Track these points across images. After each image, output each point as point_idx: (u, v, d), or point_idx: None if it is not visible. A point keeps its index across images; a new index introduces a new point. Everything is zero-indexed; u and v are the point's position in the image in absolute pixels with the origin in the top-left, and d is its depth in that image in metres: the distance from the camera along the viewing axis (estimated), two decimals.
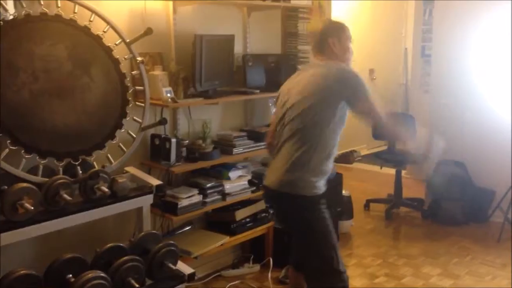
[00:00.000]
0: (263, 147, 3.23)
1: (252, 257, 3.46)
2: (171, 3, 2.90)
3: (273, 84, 3.51)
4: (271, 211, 3.33)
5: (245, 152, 3.17)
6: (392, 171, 4.79)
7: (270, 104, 3.58)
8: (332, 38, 2.29)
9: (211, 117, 3.21)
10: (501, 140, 4.19)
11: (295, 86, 2.28)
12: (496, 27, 4.20)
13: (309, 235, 2.23)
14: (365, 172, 6.10)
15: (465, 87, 4.43)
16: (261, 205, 3.30)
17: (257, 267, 3.39)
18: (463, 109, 4.45)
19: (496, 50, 4.22)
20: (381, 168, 5.35)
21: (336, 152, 2.29)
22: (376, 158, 5.33)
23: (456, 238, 3.99)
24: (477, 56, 4.35)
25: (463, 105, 4.44)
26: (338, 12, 5.76)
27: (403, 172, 4.92)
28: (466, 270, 3.44)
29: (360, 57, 6.49)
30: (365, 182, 5.62)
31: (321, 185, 2.23)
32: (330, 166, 2.26)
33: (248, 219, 3.23)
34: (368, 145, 6.80)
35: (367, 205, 4.78)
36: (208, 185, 2.97)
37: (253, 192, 3.20)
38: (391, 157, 4.88)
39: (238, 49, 3.34)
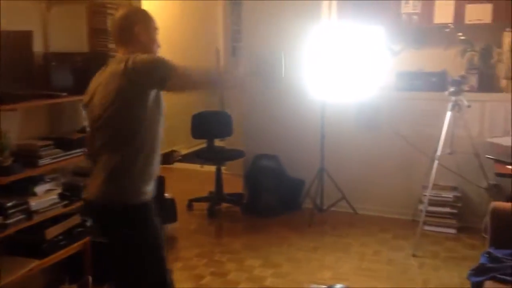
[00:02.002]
0: (75, 155, 2.97)
1: (69, 277, 3.14)
2: None
3: (82, 85, 3.22)
4: (89, 224, 3.07)
5: (53, 163, 2.85)
6: (213, 168, 4.87)
7: (81, 108, 3.29)
8: (139, 25, 2.07)
9: (8, 125, 2.80)
10: (310, 133, 4.56)
11: (98, 85, 2.04)
12: (297, 25, 4.53)
13: (139, 250, 2.05)
14: (186, 172, 6.11)
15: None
16: (76, 220, 3.02)
17: None
18: (275, 105, 4.72)
19: (301, 47, 4.53)
20: (201, 166, 5.40)
21: (159, 150, 2.11)
22: (196, 156, 5.36)
23: (274, 228, 4.23)
24: (285, 54, 4.64)
25: (274, 101, 4.71)
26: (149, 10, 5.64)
27: (223, 169, 5.05)
28: (285, 257, 3.66)
29: (174, 57, 6.51)
30: (187, 182, 5.62)
31: (149, 190, 2.07)
32: (156, 167, 2.11)
33: (61, 237, 2.92)
34: (187, 144, 6.83)
35: (190, 205, 4.77)
36: (9, 204, 2.58)
37: (65, 206, 2.90)
38: (210, 154, 4.96)
39: (38, 47, 2.98)
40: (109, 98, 1.96)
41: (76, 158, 2.99)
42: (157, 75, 1.93)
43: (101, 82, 2.04)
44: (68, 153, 2.94)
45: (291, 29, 4.52)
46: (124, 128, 1.99)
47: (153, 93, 1.98)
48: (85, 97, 2.16)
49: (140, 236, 2.05)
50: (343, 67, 4.05)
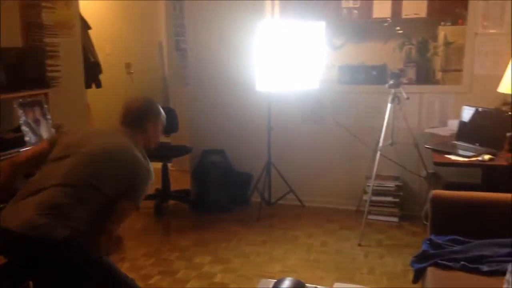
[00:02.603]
0: (8, 156, 2.81)
1: None
2: None
3: (17, 82, 3.08)
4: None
5: None
6: (159, 165, 4.77)
7: (15, 106, 3.12)
8: (153, 121, 2.27)
9: None
10: (256, 127, 4.56)
11: (90, 138, 2.13)
12: (241, 20, 4.51)
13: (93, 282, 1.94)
14: None
15: (221, 79, 4.67)
16: None
17: None
18: (221, 100, 4.69)
19: (245, 41, 4.51)
20: None
21: None
22: None
23: (222, 224, 4.21)
24: (228, 48, 4.61)
25: (220, 96, 4.68)
26: (89, 4, 5.43)
27: (169, 165, 4.96)
28: (234, 253, 3.65)
29: (116, 51, 6.34)
30: None
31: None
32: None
33: None
34: None
35: None
36: None
37: None
38: (156, 151, 4.85)
39: None
40: (95, 169, 2.02)
41: (9, 159, 2.83)
42: (132, 190, 2.05)
43: (96, 143, 2.11)
44: (2, 153, 2.78)
45: (235, 24, 4.49)
46: (90, 192, 1.99)
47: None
48: (63, 134, 2.25)
49: (86, 269, 1.92)
50: (287, 62, 4.08)
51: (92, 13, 5.50)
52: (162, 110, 2.36)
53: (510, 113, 3.45)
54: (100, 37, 5.59)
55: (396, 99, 3.85)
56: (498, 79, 3.16)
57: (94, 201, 1.98)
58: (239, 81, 4.48)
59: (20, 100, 3.07)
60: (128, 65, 6.49)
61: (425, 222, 3.86)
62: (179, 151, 4.93)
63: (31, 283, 2.86)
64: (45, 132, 3.18)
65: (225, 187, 4.60)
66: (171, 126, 4.86)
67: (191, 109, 4.86)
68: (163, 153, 4.87)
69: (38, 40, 3.45)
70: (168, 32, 5.84)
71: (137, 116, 2.25)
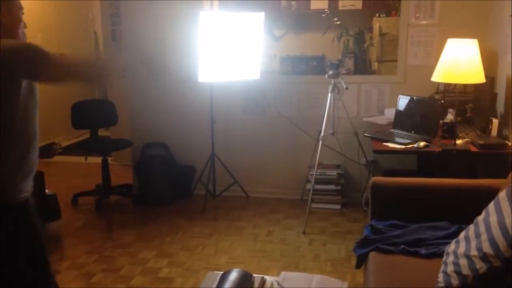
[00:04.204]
0: None
1: None
2: None
3: None
4: None
5: None
6: (98, 159, 4.62)
7: None
8: None
9: None
10: (199, 119, 4.51)
11: None
12: (179, 11, 4.42)
13: (19, 256, 1.85)
14: (69, 165, 5.74)
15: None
16: None
17: None
18: (161, 92, 4.59)
19: (184, 32, 4.43)
20: (86, 158, 5.10)
21: (37, 144, 1.92)
22: (80, 148, 5.06)
23: (166, 217, 4.15)
24: (168, 39, 4.50)
25: (160, 88, 4.58)
26: None
27: (110, 159, 4.82)
28: (180, 246, 3.60)
29: (49, 45, 6.04)
30: (70, 176, 5.28)
31: (27, 188, 1.88)
32: (34, 162, 1.91)
33: None
34: (68, 135, 6.42)
35: (75, 200, 4.49)
36: None
37: None
38: (95, 145, 4.70)
39: None
40: None
41: None
42: (29, 64, 1.71)
43: None
44: None
45: (174, 14, 4.40)
46: None
47: (25, 83, 1.77)
48: None
49: (20, 240, 1.86)
50: (228, 53, 4.05)
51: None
52: None
53: (442, 101, 3.62)
54: (32, 27, 5.30)
55: (336, 89, 3.93)
56: (431, 68, 3.29)
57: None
58: (179, 72, 4.40)
59: None
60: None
61: (365, 209, 3.99)
62: (119, 144, 4.79)
63: None
64: None
65: (168, 180, 4.52)
66: (110, 119, 4.73)
67: (131, 101, 4.73)
68: (102, 147, 4.73)
69: None
70: (104, 21, 5.64)
71: None
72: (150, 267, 3.31)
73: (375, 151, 3.37)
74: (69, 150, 6.24)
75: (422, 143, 3.22)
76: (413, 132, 3.51)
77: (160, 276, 3.18)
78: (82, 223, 4.09)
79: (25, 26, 1.93)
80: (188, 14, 4.12)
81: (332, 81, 3.92)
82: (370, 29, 5.34)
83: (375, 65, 5.22)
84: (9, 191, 1.82)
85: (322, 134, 3.94)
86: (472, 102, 3.65)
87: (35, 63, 1.72)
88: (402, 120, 3.66)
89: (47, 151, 5.88)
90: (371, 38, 5.25)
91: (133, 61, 2.19)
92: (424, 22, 4.09)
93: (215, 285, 2.14)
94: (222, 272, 2.24)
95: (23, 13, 1.91)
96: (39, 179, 3.62)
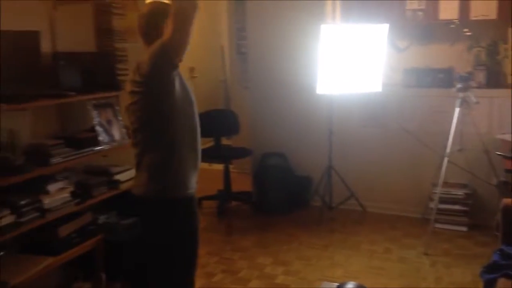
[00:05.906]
0: (85, 154, 2.98)
1: (83, 275, 3.15)
2: None
3: (90, 84, 3.24)
4: (101, 222, 3.08)
5: (64, 162, 2.84)
6: (220, 166, 4.86)
7: (89, 107, 3.28)
8: (162, 24, 2.03)
9: (19, 125, 2.80)
10: (317, 130, 4.55)
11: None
12: (302, 23, 4.51)
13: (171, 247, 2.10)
14: None
15: (281, 82, 4.70)
16: (88, 218, 3.02)
17: (88, 285, 3.09)
18: (281, 103, 4.71)
19: (306, 45, 4.51)
20: (209, 165, 5.39)
21: (199, 142, 2.16)
22: (204, 155, 5.34)
23: (283, 226, 4.23)
24: (288, 52, 4.62)
25: (281, 99, 4.70)
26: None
27: (231, 167, 5.04)
28: (296, 255, 3.65)
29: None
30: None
31: (193, 184, 2.14)
32: (198, 159, 2.16)
33: (74, 235, 2.92)
34: None
35: (199, 203, 4.76)
36: (22, 202, 2.58)
37: (77, 204, 2.90)
38: (218, 153, 4.96)
39: (45, 47, 2.98)
40: (134, 99, 1.99)
41: (86, 157, 3.00)
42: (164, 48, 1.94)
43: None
44: (78, 152, 2.94)
45: (296, 27, 4.51)
46: (154, 124, 2.00)
47: (177, 83, 2.00)
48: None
49: (182, 231, 2.10)
50: (349, 65, 4.04)
51: None
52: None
53: None
54: None
55: (465, 103, 3.72)
56: None
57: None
58: (299, 84, 4.49)
59: (94, 102, 3.23)
60: (191, 70, 6.65)
61: (496, 233, 3.69)
62: (239, 153, 5.00)
63: (103, 275, 3.03)
64: (116, 132, 3.32)
65: (284, 190, 4.61)
66: (232, 128, 4.96)
67: (252, 112, 4.92)
68: (224, 155, 4.97)
69: (109, 45, 3.61)
70: (230, 35, 5.95)
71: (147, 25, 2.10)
72: (266, 272, 3.39)
73: (508, 171, 3.13)
74: None
75: None
76: None
77: (276, 282, 3.25)
78: (204, 225, 4.33)
79: None
80: (310, 26, 4.19)
81: (461, 94, 3.71)
82: (505, 40, 4.96)
83: (510, 79, 4.84)
84: (177, 187, 2.06)
85: (448, 150, 3.75)
86: None
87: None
88: None
89: None
90: (505, 49, 4.88)
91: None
92: None
93: None
94: (338, 284, 2.24)
95: None
96: None
